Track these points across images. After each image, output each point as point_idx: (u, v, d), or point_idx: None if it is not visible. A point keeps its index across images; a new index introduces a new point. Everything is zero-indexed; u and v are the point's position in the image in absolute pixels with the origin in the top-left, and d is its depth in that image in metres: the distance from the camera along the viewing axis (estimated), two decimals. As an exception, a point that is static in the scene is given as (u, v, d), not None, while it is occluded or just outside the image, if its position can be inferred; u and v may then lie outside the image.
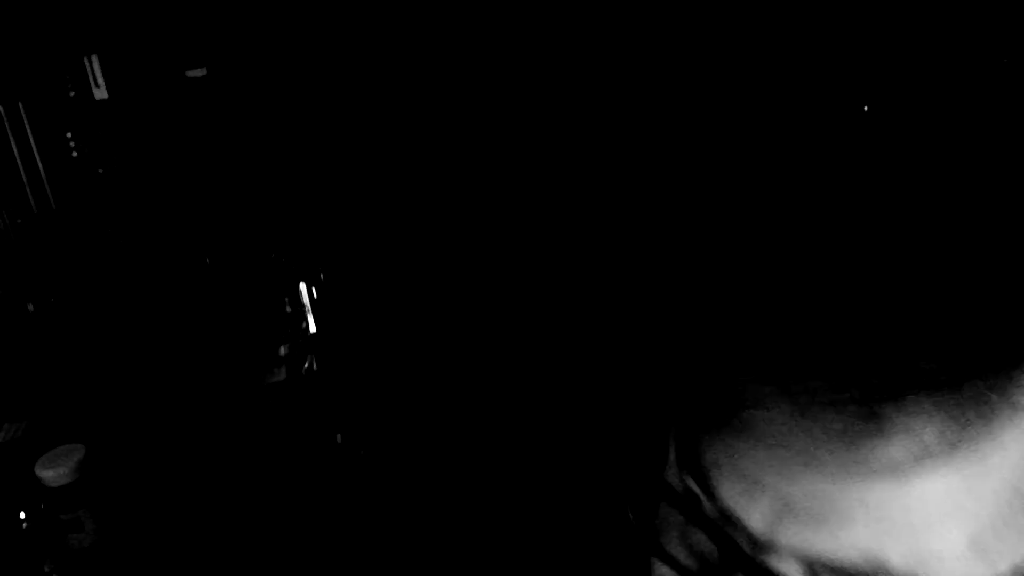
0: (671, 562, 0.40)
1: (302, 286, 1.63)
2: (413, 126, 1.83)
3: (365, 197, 1.84)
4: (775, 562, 0.36)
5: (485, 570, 1.29)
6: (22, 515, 1.14)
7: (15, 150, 1.60)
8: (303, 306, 1.63)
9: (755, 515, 0.36)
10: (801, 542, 0.35)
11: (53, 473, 1.10)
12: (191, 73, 1.67)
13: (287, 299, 1.64)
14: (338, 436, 1.44)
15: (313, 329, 1.62)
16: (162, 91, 1.68)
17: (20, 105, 1.59)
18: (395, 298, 1.82)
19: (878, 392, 0.33)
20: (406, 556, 1.26)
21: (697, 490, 0.39)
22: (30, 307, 1.59)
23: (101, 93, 1.63)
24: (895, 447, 0.33)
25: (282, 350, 1.59)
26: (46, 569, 1.13)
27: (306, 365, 1.54)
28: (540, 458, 1.44)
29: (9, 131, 1.59)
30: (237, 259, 1.71)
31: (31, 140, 1.61)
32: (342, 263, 1.79)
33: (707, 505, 0.38)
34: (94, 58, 1.61)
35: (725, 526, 0.37)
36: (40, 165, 1.62)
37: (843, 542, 0.34)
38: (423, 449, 1.50)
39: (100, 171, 1.67)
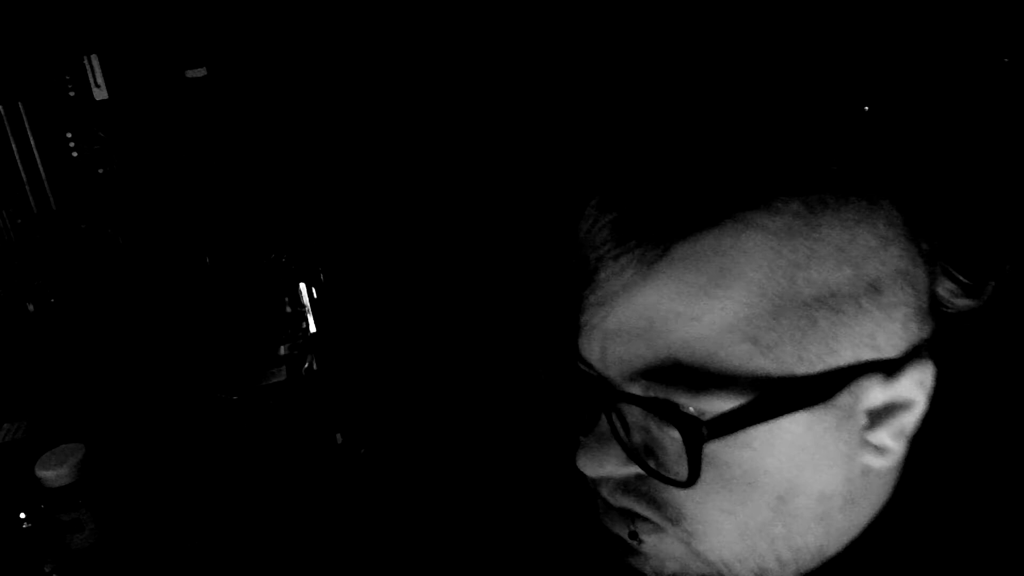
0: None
1: (302, 286, 1.63)
2: (413, 126, 1.83)
3: (365, 197, 1.84)
4: (616, 386, 0.45)
5: (485, 570, 1.29)
6: (22, 515, 1.14)
7: (15, 150, 1.60)
8: (303, 306, 1.63)
9: (595, 351, 0.47)
10: (619, 359, 0.45)
11: (53, 473, 1.10)
12: (191, 73, 1.67)
13: (287, 299, 1.64)
14: (338, 436, 1.44)
15: (313, 329, 1.63)
16: (162, 91, 1.68)
17: (20, 105, 1.59)
18: (395, 298, 1.82)
19: (622, 232, 0.44)
20: (406, 556, 1.27)
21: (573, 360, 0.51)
22: (30, 307, 1.59)
23: (101, 93, 1.63)
24: (634, 256, 0.43)
25: (282, 350, 1.59)
26: (46, 569, 1.13)
27: (306, 365, 1.54)
28: (540, 458, 1.44)
29: (9, 131, 1.59)
30: (237, 259, 1.71)
31: (31, 140, 1.61)
32: (342, 263, 1.79)
33: (577, 365, 0.50)
34: (94, 58, 1.61)
35: (587, 368, 0.48)
36: (40, 165, 1.62)
37: (642, 350, 0.43)
38: (423, 449, 1.51)
39: (100, 171, 1.67)
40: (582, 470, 0.48)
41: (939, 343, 0.47)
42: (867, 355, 0.43)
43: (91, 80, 1.62)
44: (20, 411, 1.44)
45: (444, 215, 1.86)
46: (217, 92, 1.70)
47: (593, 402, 0.47)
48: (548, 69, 1.82)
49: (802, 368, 0.42)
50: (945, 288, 0.46)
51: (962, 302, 0.46)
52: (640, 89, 1.83)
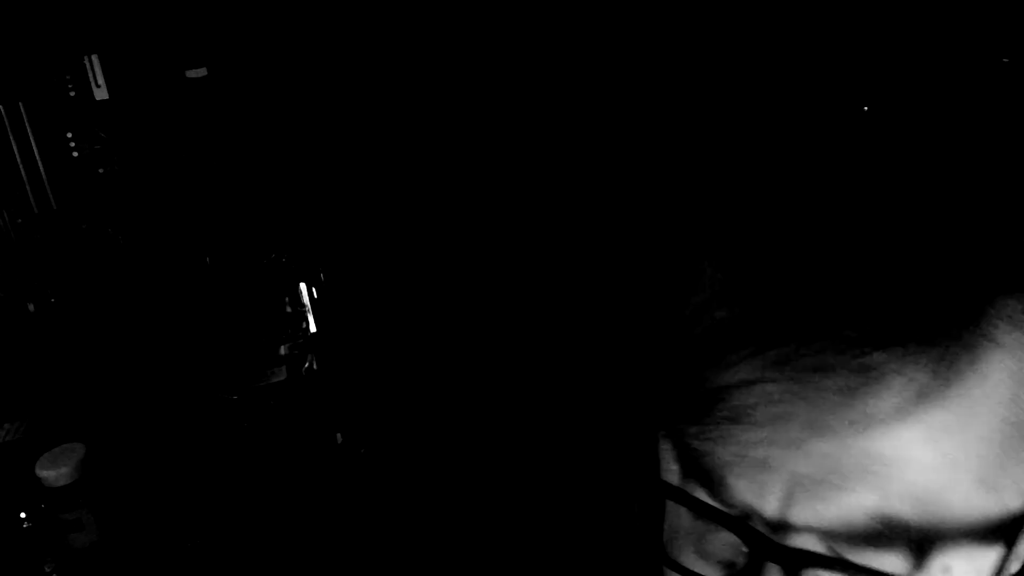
0: (687, 573, 0.40)
1: (302, 286, 1.63)
2: (413, 126, 1.83)
3: (365, 197, 1.84)
4: (795, 541, 0.36)
5: (485, 570, 1.29)
6: (22, 515, 1.14)
7: (15, 150, 1.60)
8: (303, 306, 1.63)
9: (769, 500, 0.36)
10: (815, 516, 0.35)
11: (53, 473, 1.10)
12: (191, 73, 1.67)
13: (287, 299, 1.64)
14: (338, 436, 1.44)
15: (313, 329, 1.63)
16: (162, 91, 1.68)
17: (20, 105, 1.59)
18: (395, 298, 1.82)
19: (862, 346, 0.34)
20: (406, 556, 1.26)
21: (704, 492, 0.38)
22: (30, 307, 1.59)
23: (101, 93, 1.63)
24: (893, 393, 0.34)
25: (282, 350, 1.59)
26: (47, 569, 1.13)
27: (306, 365, 1.54)
28: (541, 458, 1.44)
29: (9, 131, 1.59)
30: (237, 259, 1.71)
31: (31, 140, 1.61)
32: (342, 263, 1.79)
33: (718, 504, 0.38)
34: (94, 58, 1.61)
35: (741, 518, 0.37)
36: (40, 165, 1.62)
37: (853, 506, 0.35)
38: (423, 449, 1.50)
39: (100, 171, 1.68)
40: None
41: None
42: None
43: (91, 80, 1.62)
44: (20, 411, 1.44)
45: (444, 215, 1.85)
46: (217, 92, 1.70)
47: (762, 554, 0.37)
48: (547, 69, 1.82)
49: (1017, 503, 0.36)
50: None
51: None
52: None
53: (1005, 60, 1.58)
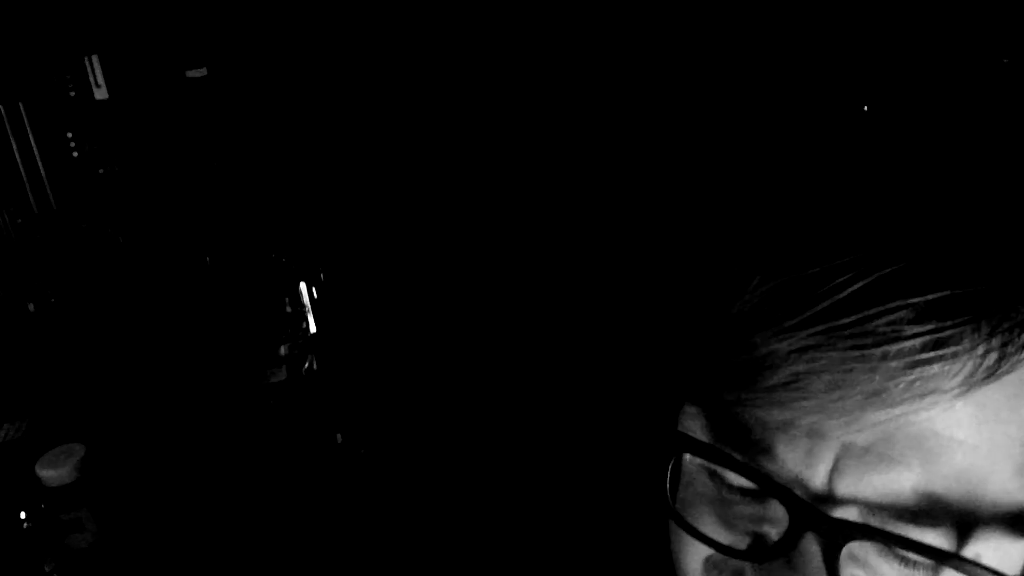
0: (717, 546, 0.40)
1: (302, 286, 1.63)
2: (413, 126, 1.83)
3: (365, 197, 1.84)
4: (833, 510, 0.36)
5: (485, 570, 1.29)
6: (22, 515, 1.14)
7: (15, 150, 1.60)
8: (303, 306, 1.63)
9: (818, 469, 0.36)
10: (860, 486, 0.35)
11: (53, 473, 1.10)
12: (191, 73, 1.67)
13: (287, 299, 1.64)
14: (338, 436, 1.44)
15: (313, 329, 1.63)
16: (162, 91, 1.68)
17: (20, 105, 1.59)
18: (395, 298, 1.82)
19: (936, 319, 0.33)
20: (406, 556, 1.26)
21: (741, 457, 0.38)
22: (30, 307, 1.59)
23: (101, 93, 1.63)
24: (961, 369, 0.33)
25: (282, 350, 1.59)
26: (46, 569, 1.13)
27: (306, 365, 1.54)
28: (541, 457, 1.44)
29: (9, 131, 1.59)
30: (237, 259, 1.71)
31: (31, 140, 1.61)
32: (342, 263, 1.79)
33: (765, 470, 0.37)
34: (94, 58, 1.61)
35: (789, 486, 0.37)
36: (40, 165, 1.62)
37: (900, 481, 0.35)
38: (423, 449, 1.50)
39: (100, 171, 1.68)
40: None
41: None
42: None
43: (91, 80, 1.62)
44: (20, 411, 1.44)
45: (444, 215, 1.85)
46: (217, 92, 1.70)
47: (801, 525, 0.36)
48: (547, 69, 1.82)
49: None
50: None
51: None
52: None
53: (1005, 60, 1.58)
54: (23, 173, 1.61)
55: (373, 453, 1.43)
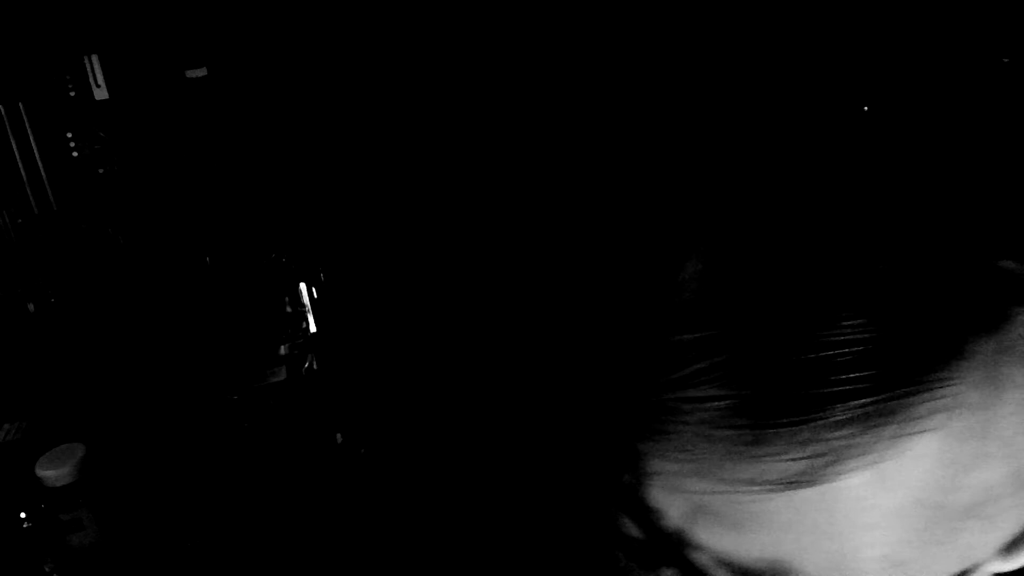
0: (624, 543, 0.41)
1: (302, 286, 1.63)
2: (413, 126, 1.83)
3: (365, 197, 1.84)
4: (693, 555, 0.37)
5: (485, 570, 1.29)
6: (22, 515, 1.14)
7: (15, 150, 1.60)
8: (303, 306, 1.63)
9: (673, 511, 0.37)
10: (714, 540, 0.36)
11: (53, 473, 1.10)
12: (191, 73, 1.67)
13: (287, 299, 1.64)
14: (338, 436, 1.44)
15: (313, 329, 1.63)
16: (162, 91, 1.68)
17: (20, 105, 1.59)
18: (395, 298, 1.82)
19: (780, 409, 0.32)
20: (406, 556, 1.26)
21: (635, 490, 0.39)
22: (30, 307, 1.59)
23: (101, 93, 1.63)
24: (791, 463, 0.32)
25: (282, 350, 1.59)
26: (46, 569, 1.13)
27: (306, 365, 1.54)
28: (540, 457, 1.44)
29: (9, 131, 1.59)
30: (237, 259, 1.71)
31: (31, 140, 1.61)
32: (342, 263, 1.79)
33: (640, 501, 0.39)
34: (94, 58, 1.61)
35: (655, 518, 0.38)
36: (40, 165, 1.62)
37: (752, 545, 0.35)
38: (423, 449, 1.50)
39: (100, 171, 1.68)
40: None
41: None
42: (994, 551, 0.37)
43: (91, 80, 1.62)
44: (20, 411, 1.44)
45: (444, 215, 1.85)
46: (217, 92, 1.70)
47: (667, 560, 0.38)
48: (547, 70, 1.82)
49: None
50: None
51: None
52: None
53: (1005, 60, 1.58)
54: (23, 173, 1.61)
55: (373, 453, 1.43)
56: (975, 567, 0.37)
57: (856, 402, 0.31)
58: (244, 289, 1.68)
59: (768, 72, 1.76)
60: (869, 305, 0.32)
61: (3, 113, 1.57)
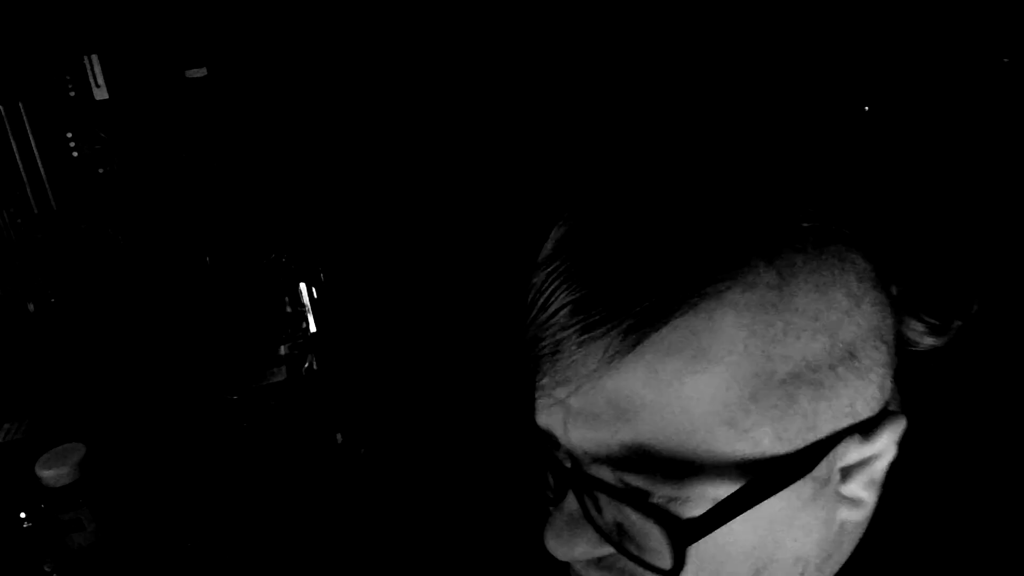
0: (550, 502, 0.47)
1: (302, 286, 1.63)
2: (413, 126, 1.83)
3: (365, 197, 1.84)
4: (588, 467, 0.43)
5: (484, 570, 1.29)
6: (22, 515, 1.14)
7: (15, 150, 1.60)
8: (303, 306, 1.63)
9: (556, 427, 0.44)
10: (586, 442, 0.42)
11: (53, 473, 1.10)
12: (191, 73, 1.67)
13: (287, 299, 1.64)
14: (338, 436, 1.44)
15: (313, 329, 1.63)
16: (162, 91, 1.68)
17: (20, 105, 1.59)
18: (395, 298, 1.82)
19: (593, 303, 0.40)
20: (406, 556, 1.26)
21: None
22: (30, 307, 1.59)
23: (101, 93, 1.63)
24: (601, 342, 0.40)
25: (282, 350, 1.59)
26: (46, 569, 1.13)
27: (306, 365, 1.54)
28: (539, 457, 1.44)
29: (9, 131, 1.59)
30: (237, 259, 1.71)
31: (31, 140, 1.61)
32: (342, 263, 1.79)
33: (537, 431, 0.46)
34: (94, 58, 1.61)
35: (551, 442, 0.45)
36: (40, 165, 1.62)
37: (608, 435, 0.41)
38: (423, 449, 1.50)
39: (100, 171, 1.68)
40: (551, 552, 0.45)
41: (905, 382, 0.46)
42: (845, 423, 0.42)
43: (91, 80, 1.62)
44: (20, 411, 1.44)
45: (444, 215, 1.86)
46: (217, 92, 1.70)
47: (561, 477, 0.45)
48: (547, 70, 1.82)
49: (782, 448, 0.41)
50: (912, 329, 0.45)
51: (929, 341, 0.46)
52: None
53: (1005, 60, 1.58)
54: (23, 173, 1.61)
55: (373, 453, 1.43)
56: (832, 442, 0.42)
57: (655, 279, 0.39)
58: (244, 289, 1.68)
59: (769, 71, 1.76)
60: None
61: (3, 113, 1.57)
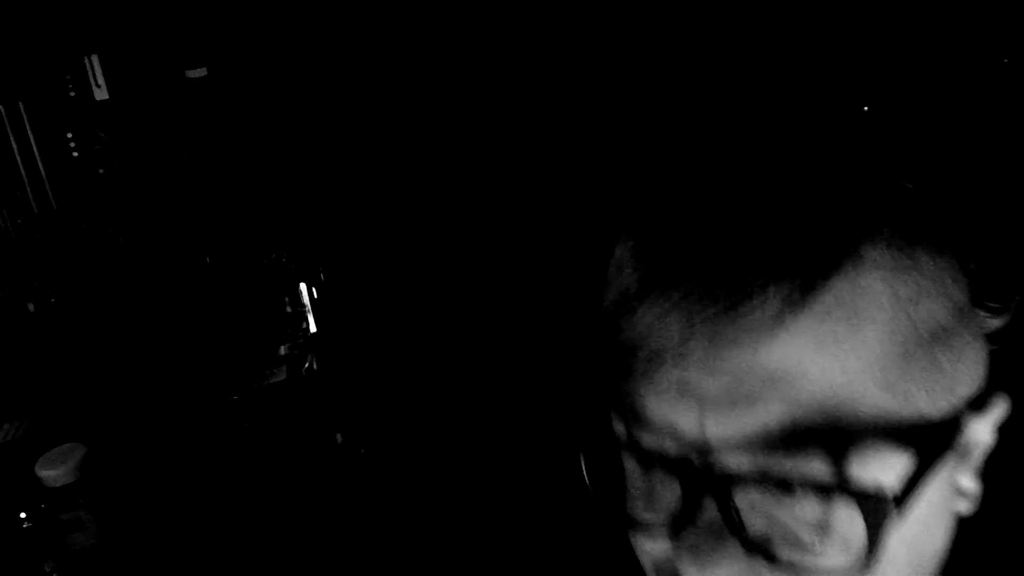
0: (639, 525, 0.42)
1: (302, 286, 1.63)
2: (412, 126, 1.83)
3: (365, 197, 1.84)
4: (723, 463, 0.38)
5: (484, 570, 1.29)
6: (22, 515, 1.14)
7: (15, 150, 1.60)
8: (303, 306, 1.63)
9: (686, 419, 0.38)
10: (730, 430, 0.38)
11: (53, 473, 1.10)
12: (191, 73, 1.67)
13: (287, 299, 1.64)
14: (338, 436, 1.44)
15: (313, 329, 1.63)
16: (162, 91, 1.68)
17: (20, 105, 1.59)
18: (395, 298, 1.82)
19: (738, 272, 0.37)
20: (406, 556, 1.26)
21: (643, 437, 0.41)
22: (30, 307, 1.59)
23: (101, 93, 1.63)
24: (765, 306, 0.37)
25: (282, 350, 1.59)
26: (46, 569, 1.13)
27: (306, 365, 1.54)
28: (539, 457, 1.44)
29: (10, 131, 1.59)
30: (237, 259, 1.71)
31: (31, 140, 1.61)
32: (342, 263, 1.79)
33: (651, 442, 0.40)
34: (94, 58, 1.61)
35: (669, 449, 0.40)
36: (40, 165, 1.62)
37: (761, 417, 0.37)
38: (423, 449, 1.50)
39: (100, 171, 1.68)
40: None
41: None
42: (971, 392, 0.41)
43: (91, 80, 1.62)
44: (20, 411, 1.44)
45: (444, 215, 1.86)
46: (217, 92, 1.70)
47: (693, 481, 0.39)
48: (547, 70, 1.82)
49: (935, 412, 0.39)
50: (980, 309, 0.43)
51: (994, 323, 0.44)
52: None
53: (1005, 60, 1.58)
54: (23, 173, 1.61)
55: (373, 453, 1.43)
56: (966, 409, 0.40)
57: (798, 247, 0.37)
58: (244, 289, 1.68)
59: (769, 71, 1.76)
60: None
61: (3, 113, 1.57)
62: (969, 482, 0.42)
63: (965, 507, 0.42)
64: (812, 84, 1.75)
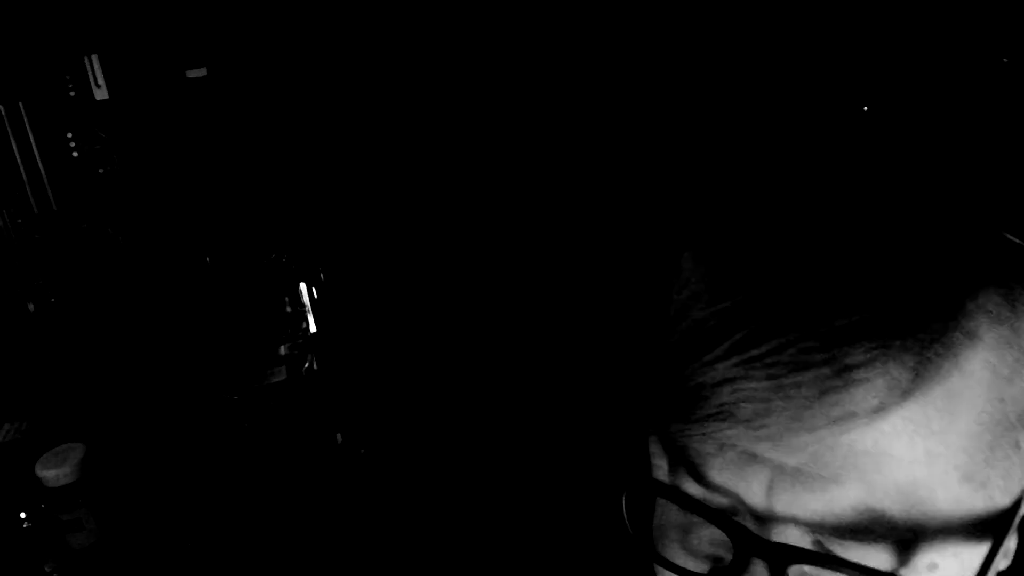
0: (677, 570, 0.40)
1: (302, 286, 1.63)
2: (412, 127, 1.83)
3: (365, 197, 1.84)
4: (780, 533, 0.36)
5: (484, 570, 1.29)
6: (22, 515, 1.14)
7: (16, 150, 1.60)
8: (303, 306, 1.63)
9: (753, 488, 0.36)
10: (799, 506, 0.35)
11: (53, 473, 1.10)
12: (191, 73, 1.67)
13: (287, 299, 1.64)
14: (338, 436, 1.44)
15: (313, 329, 1.63)
16: (162, 91, 1.68)
17: (20, 105, 1.59)
18: (395, 298, 1.82)
19: (839, 344, 0.33)
20: (406, 556, 1.26)
21: (691, 486, 0.38)
22: (30, 307, 1.59)
23: (101, 93, 1.63)
24: (872, 391, 0.33)
25: (282, 350, 1.59)
26: (46, 569, 1.13)
27: (306, 365, 1.54)
28: (538, 457, 1.44)
29: (10, 131, 1.59)
30: (237, 259, 1.71)
31: (32, 140, 1.61)
32: (342, 263, 1.79)
33: (705, 495, 0.38)
34: (94, 58, 1.61)
35: (727, 511, 0.37)
36: (40, 165, 1.62)
37: (836, 497, 0.35)
38: (423, 449, 1.50)
39: (100, 171, 1.68)
40: None
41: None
42: None
43: (91, 80, 1.62)
44: (20, 411, 1.44)
45: (444, 215, 1.85)
46: (217, 92, 1.70)
47: (748, 547, 0.36)
48: (547, 70, 1.82)
49: (1006, 500, 0.37)
50: None
51: None
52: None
53: (1005, 60, 1.58)
54: (23, 173, 1.61)
55: (373, 453, 1.43)
56: None
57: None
58: (244, 289, 1.68)
59: (769, 71, 1.76)
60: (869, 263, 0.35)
61: (3, 113, 1.57)
62: (1013, 543, 0.40)
63: (1004, 564, 0.41)
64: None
